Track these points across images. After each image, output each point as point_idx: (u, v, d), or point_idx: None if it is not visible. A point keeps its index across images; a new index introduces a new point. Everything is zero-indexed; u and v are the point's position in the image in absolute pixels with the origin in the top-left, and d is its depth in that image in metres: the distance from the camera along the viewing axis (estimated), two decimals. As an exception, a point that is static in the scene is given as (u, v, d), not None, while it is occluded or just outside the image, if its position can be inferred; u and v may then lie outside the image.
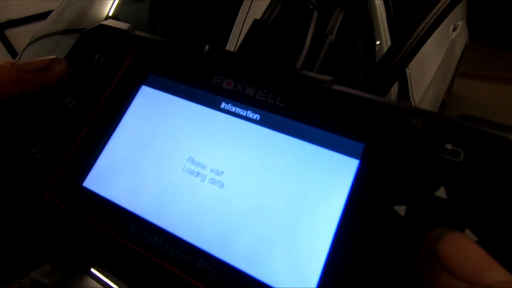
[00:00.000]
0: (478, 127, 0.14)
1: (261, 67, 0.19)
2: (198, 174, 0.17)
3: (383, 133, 0.15)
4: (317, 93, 0.17)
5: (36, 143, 0.20)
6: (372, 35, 0.74)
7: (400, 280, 0.13)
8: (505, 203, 0.13)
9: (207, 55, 0.20)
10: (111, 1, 0.87)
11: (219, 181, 0.17)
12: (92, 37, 0.22)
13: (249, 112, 0.18)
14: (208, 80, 0.19)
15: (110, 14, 0.85)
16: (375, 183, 0.15)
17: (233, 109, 0.18)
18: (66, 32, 0.86)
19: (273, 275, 0.15)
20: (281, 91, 0.18)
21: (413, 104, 0.86)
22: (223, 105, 0.18)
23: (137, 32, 0.22)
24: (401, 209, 0.14)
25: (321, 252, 0.15)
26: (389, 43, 0.76)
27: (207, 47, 0.20)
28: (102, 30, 0.22)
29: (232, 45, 0.65)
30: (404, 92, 0.84)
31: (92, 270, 0.48)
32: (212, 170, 0.17)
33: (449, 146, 0.14)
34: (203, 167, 0.18)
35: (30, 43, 0.90)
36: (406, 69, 0.82)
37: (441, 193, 0.14)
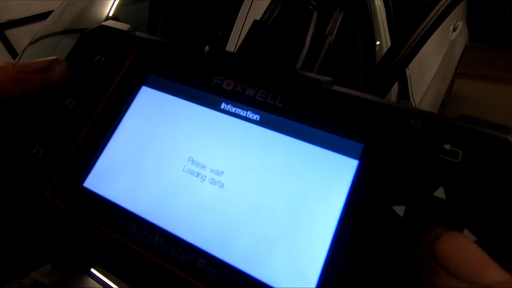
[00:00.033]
0: (476, 127, 0.14)
1: (261, 67, 0.19)
2: (198, 174, 0.18)
3: (382, 133, 0.15)
4: (317, 94, 0.17)
5: (37, 143, 0.20)
6: (372, 35, 0.74)
7: (399, 280, 0.13)
8: (503, 203, 0.13)
9: (207, 55, 0.20)
10: (111, 2, 0.88)
11: (219, 181, 0.17)
12: (93, 38, 0.22)
13: (249, 112, 0.18)
14: (208, 80, 0.19)
15: (110, 14, 0.85)
16: (374, 184, 0.15)
17: (233, 109, 0.18)
18: (66, 32, 0.86)
19: (272, 275, 0.15)
20: (281, 92, 0.18)
21: (413, 105, 0.87)
22: (223, 105, 0.18)
23: (137, 33, 0.22)
24: (400, 209, 0.14)
25: (320, 252, 0.15)
26: (389, 44, 0.77)
27: (207, 47, 0.20)
28: (102, 31, 0.22)
29: (232, 45, 0.65)
30: (404, 92, 0.84)
31: (92, 270, 0.48)
32: (212, 170, 0.17)
33: (447, 146, 0.14)
34: (203, 167, 0.18)
35: (31, 43, 0.90)
36: (406, 69, 0.82)
37: (439, 193, 0.14)
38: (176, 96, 0.19)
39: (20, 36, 1.94)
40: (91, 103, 0.20)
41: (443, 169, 0.14)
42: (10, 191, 0.20)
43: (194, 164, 0.18)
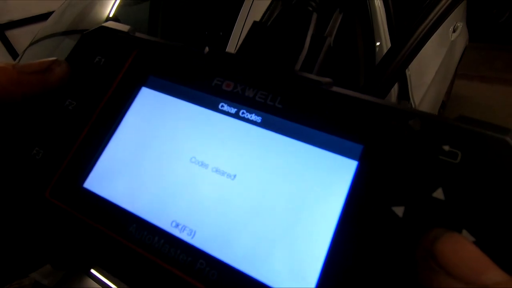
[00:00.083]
0: (475, 128, 0.14)
1: (261, 68, 0.19)
2: (198, 175, 0.18)
3: (381, 134, 0.15)
4: (316, 95, 0.17)
5: (37, 144, 0.20)
6: (372, 36, 0.74)
7: (398, 280, 0.13)
8: (502, 204, 0.13)
9: (207, 56, 0.20)
10: (112, 3, 0.88)
11: (219, 182, 0.17)
12: (93, 39, 0.22)
13: (248, 113, 0.18)
14: (208, 81, 0.19)
15: (111, 15, 0.85)
16: (373, 184, 0.15)
17: (233, 110, 0.18)
18: (67, 33, 0.86)
19: (272, 275, 0.15)
20: (281, 93, 0.18)
21: (413, 106, 0.87)
22: (222, 106, 0.18)
23: (138, 34, 0.22)
24: (399, 210, 0.14)
25: (320, 252, 0.15)
26: (389, 45, 0.77)
27: (207, 48, 0.20)
28: (102, 32, 0.22)
29: (232, 46, 0.65)
30: (404, 93, 0.84)
31: (92, 270, 0.48)
32: (212, 172, 0.17)
33: (446, 147, 0.14)
34: (203, 168, 0.18)
35: (31, 44, 0.90)
36: (406, 70, 0.82)
37: (438, 194, 0.14)
38: (176, 97, 0.19)
39: (20, 37, 1.95)
40: (91, 104, 0.20)
41: (442, 170, 0.14)
42: (10, 191, 0.20)
43: (194, 166, 0.18)
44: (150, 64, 0.20)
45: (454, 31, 1.30)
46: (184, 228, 0.17)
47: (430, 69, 1.08)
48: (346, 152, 0.16)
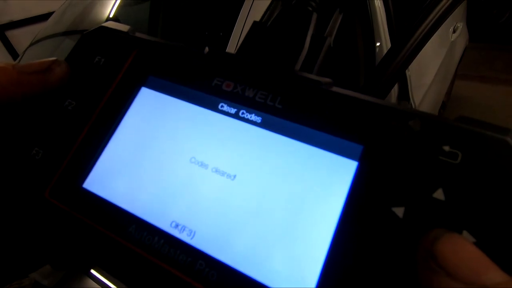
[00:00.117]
0: (475, 129, 0.14)
1: (261, 68, 0.19)
2: (197, 175, 0.18)
3: (381, 135, 0.15)
4: (316, 95, 0.17)
5: (37, 144, 0.20)
6: (372, 36, 0.75)
7: (398, 281, 0.13)
8: (502, 204, 0.13)
9: (207, 57, 0.20)
10: (112, 3, 0.88)
11: (219, 183, 0.17)
12: (93, 39, 0.22)
13: (248, 113, 0.18)
14: (208, 81, 0.19)
15: (111, 15, 0.85)
16: (373, 185, 0.15)
17: (233, 110, 0.18)
18: (67, 33, 0.86)
19: (272, 275, 0.15)
20: (281, 93, 0.18)
21: (413, 106, 0.87)
22: (222, 106, 0.18)
23: (137, 34, 0.22)
24: (399, 211, 0.14)
25: (320, 253, 0.15)
26: (389, 45, 0.77)
27: (207, 49, 0.20)
28: (102, 32, 0.22)
29: (232, 47, 0.65)
30: (404, 93, 0.84)
31: (92, 271, 0.48)
32: (212, 172, 0.17)
33: (446, 148, 0.14)
34: (203, 169, 0.18)
35: (31, 44, 0.90)
36: (406, 71, 0.82)
37: (439, 194, 0.14)
38: (175, 97, 0.19)
39: (20, 37, 1.95)
40: (91, 104, 0.20)
41: (442, 171, 0.14)
42: (9, 191, 0.20)
43: (194, 166, 0.18)
44: (150, 64, 0.20)
45: (454, 31, 1.30)
46: (183, 228, 0.17)
47: (430, 69, 1.08)
48: (346, 153, 0.16)
